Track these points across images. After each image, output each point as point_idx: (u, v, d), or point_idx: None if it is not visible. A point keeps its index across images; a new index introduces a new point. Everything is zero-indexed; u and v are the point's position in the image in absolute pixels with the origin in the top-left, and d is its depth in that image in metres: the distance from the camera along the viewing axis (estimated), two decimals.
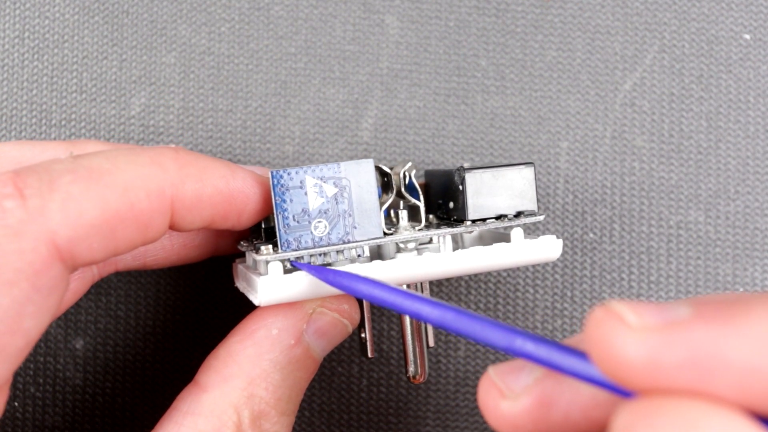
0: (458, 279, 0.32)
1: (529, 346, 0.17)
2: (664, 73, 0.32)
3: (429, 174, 0.27)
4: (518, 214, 0.25)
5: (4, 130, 0.32)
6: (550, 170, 0.32)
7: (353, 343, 0.32)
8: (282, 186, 0.23)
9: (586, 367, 0.17)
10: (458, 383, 0.32)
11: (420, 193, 0.25)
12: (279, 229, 0.23)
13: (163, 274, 0.32)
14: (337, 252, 0.24)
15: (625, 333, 0.15)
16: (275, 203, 0.23)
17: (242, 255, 0.28)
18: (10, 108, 0.32)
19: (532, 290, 0.32)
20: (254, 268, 0.25)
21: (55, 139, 0.32)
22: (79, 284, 0.27)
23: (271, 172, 0.23)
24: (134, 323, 0.32)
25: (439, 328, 0.23)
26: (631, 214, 0.32)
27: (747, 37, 0.32)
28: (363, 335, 0.29)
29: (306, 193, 0.23)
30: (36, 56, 0.32)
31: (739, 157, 0.32)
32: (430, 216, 0.27)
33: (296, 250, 0.23)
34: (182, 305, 0.32)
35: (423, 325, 0.28)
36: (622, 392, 0.16)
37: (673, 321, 0.15)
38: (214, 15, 0.32)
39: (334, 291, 0.23)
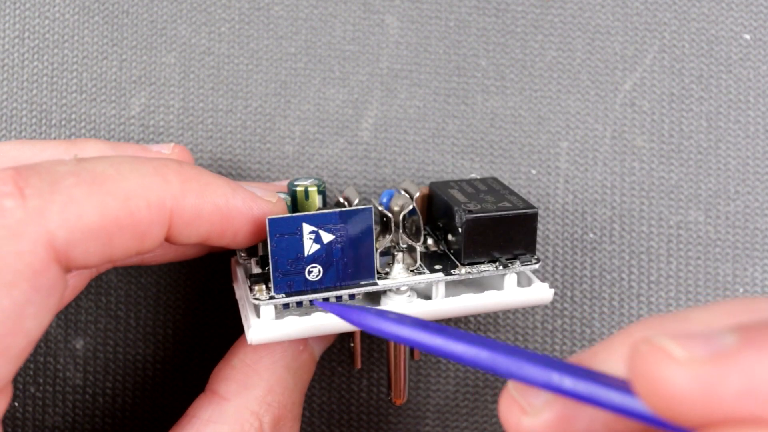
0: None
1: (567, 382, 0.17)
2: (664, 73, 0.32)
3: (434, 187, 0.27)
4: (514, 257, 0.25)
5: (4, 130, 0.32)
6: (550, 170, 0.32)
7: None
8: (278, 233, 0.22)
9: (631, 402, 0.16)
10: (458, 383, 0.32)
11: (421, 231, 0.25)
12: (273, 273, 0.23)
13: (163, 275, 0.32)
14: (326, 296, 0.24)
15: (674, 367, 0.15)
16: (270, 248, 0.22)
17: None
18: (10, 108, 0.32)
19: None
20: (249, 287, 0.25)
21: (55, 139, 0.32)
22: (77, 281, 0.27)
23: (268, 219, 0.22)
24: (134, 323, 0.32)
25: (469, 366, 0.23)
26: (631, 214, 0.32)
27: (747, 37, 0.32)
28: (352, 344, 0.29)
29: (302, 241, 0.23)
30: (36, 56, 0.32)
31: (739, 157, 0.32)
32: (429, 241, 0.26)
33: (288, 294, 0.23)
34: (182, 305, 0.32)
35: (401, 355, 0.28)
36: (673, 428, 0.16)
37: (723, 351, 0.15)
38: (214, 15, 0.32)
39: (324, 331, 0.24)
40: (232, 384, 0.25)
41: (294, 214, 0.22)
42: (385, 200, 0.26)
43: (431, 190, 0.27)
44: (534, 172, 0.32)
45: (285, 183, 0.28)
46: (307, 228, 0.23)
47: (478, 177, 0.27)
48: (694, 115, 0.32)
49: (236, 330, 0.31)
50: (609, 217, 0.32)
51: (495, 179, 0.27)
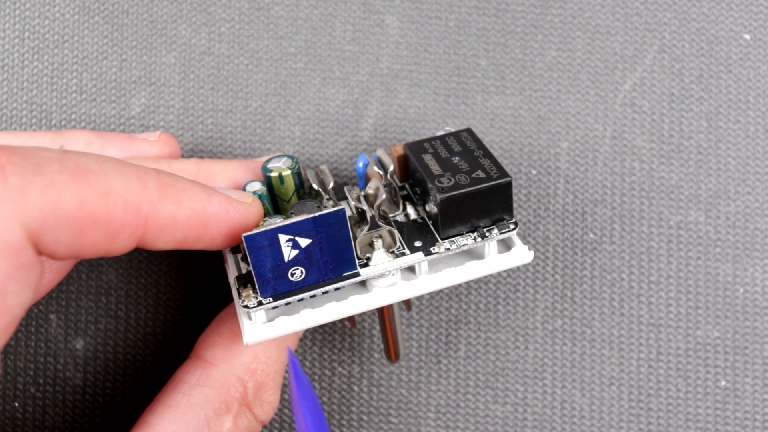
0: None
1: None
2: (664, 73, 0.32)
3: (409, 151, 0.27)
4: (493, 222, 0.25)
5: (4, 130, 0.32)
6: (550, 170, 0.32)
7: (353, 344, 0.32)
8: (256, 247, 0.23)
9: None
10: (458, 383, 0.32)
11: (399, 203, 0.25)
12: (257, 282, 0.23)
13: (163, 275, 0.32)
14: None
15: None
16: (251, 262, 0.23)
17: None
18: (10, 108, 0.32)
19: (532, 290, 0.32)
20: (237, 290, 0.25)
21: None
22: (64, 264, 0.27)
23: (244, 237, 0.22)
24: (134, 323, 0.32)
25: None
26: (631, 214, 0.32)
27: (747, 37, 0.32)
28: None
29: (280, 249, 0.23)
30: (36, 56, 0.32)
31: (739, 157, 0.32)
32: (408, 209, 0.26)
33: (275, 298, 0.24)
34: (182, 305, 0.32)
35: (392, 310, 0.29)
36: None
37: None
38: (214, 15, 0.32)
39: (314, 324, 0.24)
40: (219, 350, 0.26)
41: (269, 228, 0.23)
42: (360, 165, 0.27)
43: (407, 154, 0.27)
44: (534, 172, 0.32)
45: (263, 159, 0.28)
46: (283, 237, 0.23)
47: (452, 130, 0.27)
48: (694, 115, 0.32)
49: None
50: (609, 217, 0.32)
51: (469, 134, 0.26)
